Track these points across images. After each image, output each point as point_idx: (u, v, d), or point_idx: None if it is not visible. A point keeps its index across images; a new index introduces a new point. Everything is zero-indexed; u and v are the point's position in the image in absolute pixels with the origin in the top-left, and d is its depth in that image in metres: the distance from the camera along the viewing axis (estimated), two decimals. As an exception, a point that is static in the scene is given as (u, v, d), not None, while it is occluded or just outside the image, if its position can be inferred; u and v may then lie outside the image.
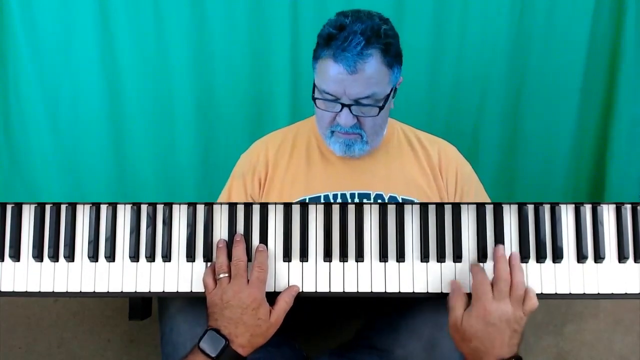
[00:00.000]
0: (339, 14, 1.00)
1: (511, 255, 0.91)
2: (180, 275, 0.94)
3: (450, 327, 0.87)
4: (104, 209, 0.96)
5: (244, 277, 0.89)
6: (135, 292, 0.94)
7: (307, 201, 1.04)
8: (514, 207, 0.96)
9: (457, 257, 0.93)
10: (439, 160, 1.11)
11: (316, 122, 1.08)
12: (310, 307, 0.92)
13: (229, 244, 0.93)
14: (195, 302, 0.99)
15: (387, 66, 0.97)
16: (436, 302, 0.95)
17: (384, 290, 0.93)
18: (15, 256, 0.95)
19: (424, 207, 0.95)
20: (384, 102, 1.00)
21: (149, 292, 0.94)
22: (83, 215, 0.96)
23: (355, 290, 0.94)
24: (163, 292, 0.94)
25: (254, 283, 0.89)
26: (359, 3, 1.47)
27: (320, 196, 1.05)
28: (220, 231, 0.95)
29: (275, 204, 0.96)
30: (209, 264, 0.94)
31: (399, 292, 0.93)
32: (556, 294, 0.94)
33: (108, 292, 0.94)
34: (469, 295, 0.89)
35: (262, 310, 0.87)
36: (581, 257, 0.94)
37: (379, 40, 0.95)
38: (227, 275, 0.89)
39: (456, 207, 0.95)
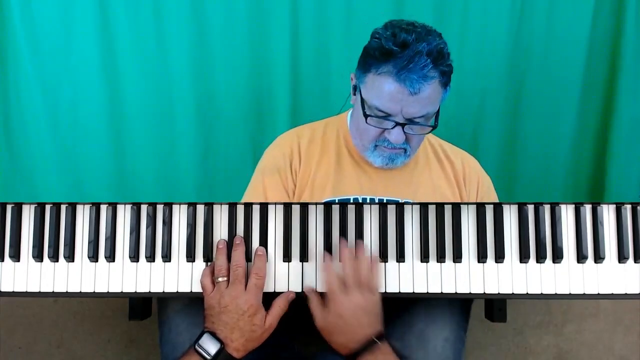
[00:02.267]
0: (394, 27, 0.95)
1: (346, 250, 0.92)
2: (180, 275, 0.94)
3: (318, 328, 0.90)
4: (104, 209, 0.96)
5: (242, 282, 0.89)
6: (135, 292, 0.94)
7: (336, 202, 1.03)
8: (514, 207, 0.96)
9: (457, 257, 0.93)
10: (463, 172, 1.12)
11: (355, 132, 1.07)
12: (309, 307, 0.92)
13: (229, 245, 0.93)
14: (194, 302, 0.99)
15: (442, 86, 0.97)
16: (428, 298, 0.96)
17: (383, 291, 0.92)
18: (15, 256, 0.95)
19: (424, 207, 0.95)
20: (436, 121, 1.00)
21: (149, 292, 0.94)
22: (83, 215, 0.96)
23: (355, 290, 0.93)
24: (163, 292, 0.94)
25: (251, 290, 0.89)
26: (359, 4, 1.48)
27: (349, 198, 1.04)
28: (220, 231, 0.95)
29: (275, 204, 0.96)
30: (209, 264, 0.94)
31: (399, 292, 0.93)
32: (556, 294, 0.93)
33: (108, 292, 0.94)
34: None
35: (258, 317, 0.88)
36: (581, 257, 0.94)
37: (442, 62, 0.94)
38: (225, 279, 0.89)
39: (456, 207, 0.95)
